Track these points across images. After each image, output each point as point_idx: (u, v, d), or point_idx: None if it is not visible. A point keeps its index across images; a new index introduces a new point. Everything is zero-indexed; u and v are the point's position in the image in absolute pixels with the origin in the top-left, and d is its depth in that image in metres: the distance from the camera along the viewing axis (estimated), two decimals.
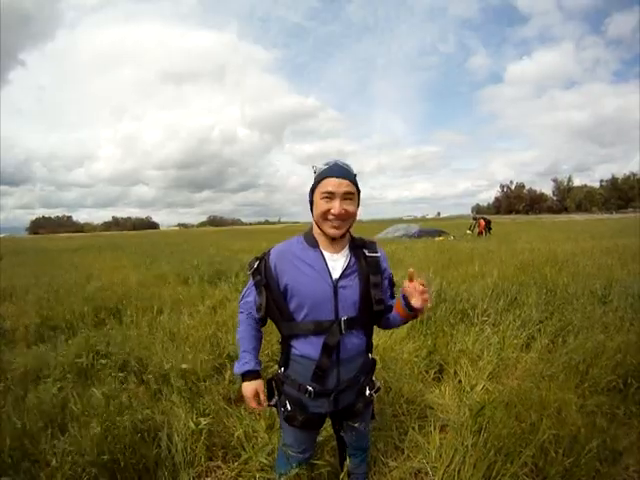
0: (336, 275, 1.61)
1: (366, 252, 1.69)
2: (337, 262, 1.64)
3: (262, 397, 1.74)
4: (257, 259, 1.69)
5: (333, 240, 1.63)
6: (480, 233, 22.03)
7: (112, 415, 2.54)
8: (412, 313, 1.60)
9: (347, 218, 1.58)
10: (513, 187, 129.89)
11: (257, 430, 2.64)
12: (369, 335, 1.77)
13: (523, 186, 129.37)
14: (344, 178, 1.56)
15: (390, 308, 1.71)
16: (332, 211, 1.54)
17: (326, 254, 1.64)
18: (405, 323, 1.75)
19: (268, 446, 2.39)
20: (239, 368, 1.73)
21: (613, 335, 3.85)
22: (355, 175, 1.63)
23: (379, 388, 1.88)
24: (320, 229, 1.61)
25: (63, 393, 3.10)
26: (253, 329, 1.76)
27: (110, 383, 3.22)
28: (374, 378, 1.87)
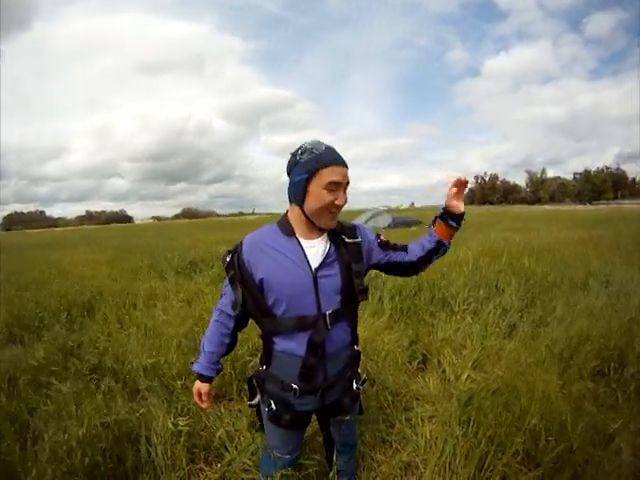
0: (315, 264, 1.48)
1: (345, 238, 1.56)
2: (315, 250, 1.50)
3: (204, 398, 1.72)
4: (230, 252, 1.56)
5: (313, 226, 1.49)
6: None
7: (87, 417, 2.40)
8: (456, 225, 1.61)
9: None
10: (487, 178, 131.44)
11: (239, 429, 2.54)
12: (354, 326, 1.66)
13: (497, 177, 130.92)
14: (346, 167, 1.46)
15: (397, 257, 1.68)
16: (337, 202, 1.42)
17: (303, 242, 1.50)
18: (439, 248, 1.66)
19: (251, 446, 2.28)
20: (193, 366, 1.72)
21: (595, 322, 3.86)
22: None
23: (365, 380, 1.80)
24: (311, 220, 1.47)
25: (35, 396, 2.94)
26: (220, 334, 1.66)
27: (83, 383, 3.07)
28: (359, 370, 1.77)
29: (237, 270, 1.51)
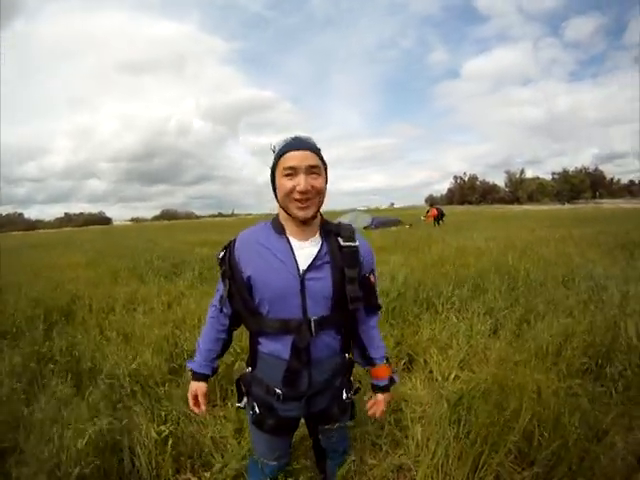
0: (304, 266, 1.40)
1: (341, 241, 1.46)
2: (306, 251, 1.43)
3: (200, 400, 1.65)
4: (224, 248, 1.52)
5: (302, 225, 1.43)
6: (435, 221, 22.52)
7: (70, 429, 2.29)
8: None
9: (315, 195, 1.38)
10: (466, 178, 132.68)
11: (225, 435, 2.47)
12: (345, 334, 1.57)
13: (476, 178, 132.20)
14: (306, 150, 1.37)
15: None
16: (297, 188, 1.34)
17: (293, 241, 1.44)
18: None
19: (239, 452, 2.21)
20: (188, 364, 1.70)
21: (580, 318, 3.88)
22: (319, 149, 1.43)
23: (358, 389, 1.70)
24: (287, 213, 1.42)
25: (15, 406, 2.78)
26: (216, 331, 1.62)
27: (63, 391, 2.92)
28: (352, 379, 1.69)
29: (227, 266, 1.48)
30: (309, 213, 1.39)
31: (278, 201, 1.43)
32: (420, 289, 5.36)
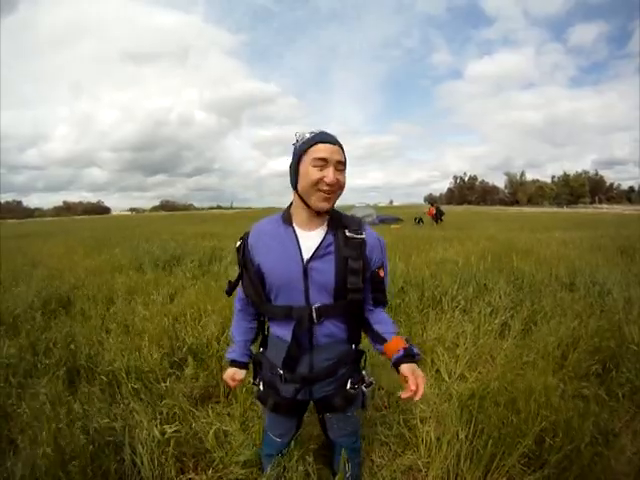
0: (307, 255, 1.44)
1: (347, 232, 1.48)
2: (311, 241, 1.47)
3: (236, 382, 1.74)
4: (240, 239, 1.58)
5: (314, 216, 1.47)
6: (433, 219, 22.88)
7: (63, 425, 2.21)
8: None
9: (338, 189, 1.43)
10: (466, 179, 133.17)
11: (230, 433, 2.40)
12: (352, 324, 1.58)
13: (476, 178, 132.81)
14: (336, 145, 1.42)
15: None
16: (325, 179, 1.37)
17: (299, 232, 1.48)
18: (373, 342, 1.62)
19: (242, 452, 2.17)
20: (227, 354, 1.77)
21: (586, 321, 3.83)
22: None
23: (371, 383, 1.66)
24: (306, 202, 1.44)
25: (9, 400, 2.69)
26: (245, 320, 1.73)
27: (59, 385, 2.85)
28: (364, 372, 1.67)
29: (241, 255, 1.55)
30: (328, 206, 1.43)
31: (297, 189, 1.46)
32: (425, 286, 5.30)
